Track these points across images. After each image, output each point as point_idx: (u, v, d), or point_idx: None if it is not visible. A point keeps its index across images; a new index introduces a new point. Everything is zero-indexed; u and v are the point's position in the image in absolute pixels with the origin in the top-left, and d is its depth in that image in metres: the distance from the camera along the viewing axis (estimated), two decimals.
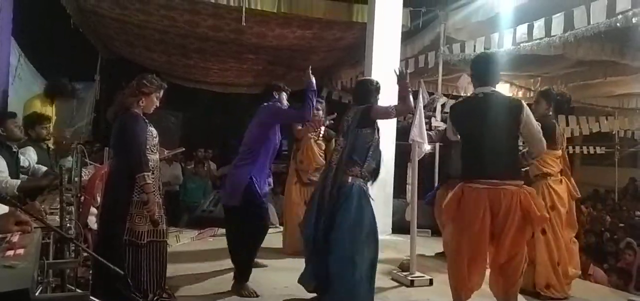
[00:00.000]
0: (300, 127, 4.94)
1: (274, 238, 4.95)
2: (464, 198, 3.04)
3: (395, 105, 3.40)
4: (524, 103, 3.13)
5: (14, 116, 4.19)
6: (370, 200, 3.43)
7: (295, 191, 5.01)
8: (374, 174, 3.50)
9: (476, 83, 3.19)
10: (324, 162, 4.72)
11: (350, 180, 3.30)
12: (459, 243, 3.06)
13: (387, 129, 6.40)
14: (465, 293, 3.09)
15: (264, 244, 4.00)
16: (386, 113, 3.42)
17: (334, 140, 4.73)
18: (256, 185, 3.68)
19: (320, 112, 4.90)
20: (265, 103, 3.92)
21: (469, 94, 3.30)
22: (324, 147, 5.03)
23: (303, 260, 3.57)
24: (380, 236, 6.01)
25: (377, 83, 3.64)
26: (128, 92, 3.23)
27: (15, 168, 3.88)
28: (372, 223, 3.36)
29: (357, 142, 3.35)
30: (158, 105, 3.35)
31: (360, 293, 3.23)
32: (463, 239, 3.03)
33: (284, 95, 4.02)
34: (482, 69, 3.20)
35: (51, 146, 4.79)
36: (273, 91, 4.00)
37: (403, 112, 3.61)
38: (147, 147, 3.20)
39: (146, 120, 3.25)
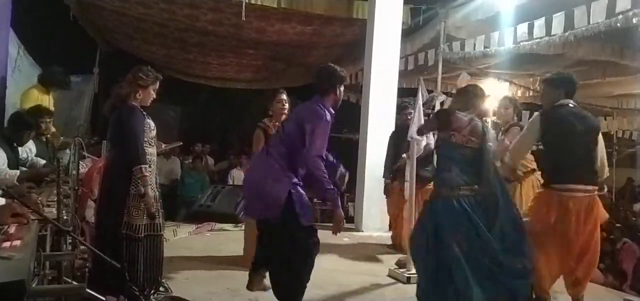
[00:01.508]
0: None
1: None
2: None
3: None
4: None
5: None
6: None
7: None
8: None
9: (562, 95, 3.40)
10: None
11: None
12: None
13: (385, 127, 6.42)
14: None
15: None
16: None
17: None
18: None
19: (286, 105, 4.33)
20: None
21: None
22: None
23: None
24: (377, 234, 6.04)
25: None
26: (125, 84, 3.22)
27: (15, 161, 3.88)
28: None
29: None
30: (155, 97, 3.33)
31: None
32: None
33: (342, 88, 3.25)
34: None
35: (50, 139, 4.80)
36: (336, 84, 3.15)
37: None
38: (145, 139, 3.18)
39: (144, 113, 3.24)
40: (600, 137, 3.47)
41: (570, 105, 3.37)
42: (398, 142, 5.24)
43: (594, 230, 3.32)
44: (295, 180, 3.04)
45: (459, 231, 2.95)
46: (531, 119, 3.57)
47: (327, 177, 3.01)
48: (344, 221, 3.20)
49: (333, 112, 3.13)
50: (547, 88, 3.51)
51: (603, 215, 3.36)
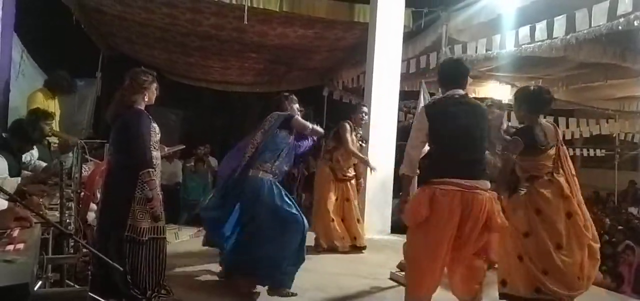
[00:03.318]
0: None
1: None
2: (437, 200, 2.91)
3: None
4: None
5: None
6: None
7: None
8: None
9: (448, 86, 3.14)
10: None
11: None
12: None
13: (387, 129, 6.42)
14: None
15: None
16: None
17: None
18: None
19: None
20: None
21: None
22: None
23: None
24: (379, 236, 6.05)
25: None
26: (129, 90, 3.23)
27: (17, 167, 3.89)
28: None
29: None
30: (157, 93, 3.38)
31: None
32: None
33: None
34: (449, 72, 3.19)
35: (54, 144, 4.81)
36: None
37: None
38: (151, 143, 3.21)
39: (150, 117, 3.27)
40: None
41: (457, 96, 3.09)
42: None
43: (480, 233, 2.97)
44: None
45: None
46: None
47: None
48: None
49: None
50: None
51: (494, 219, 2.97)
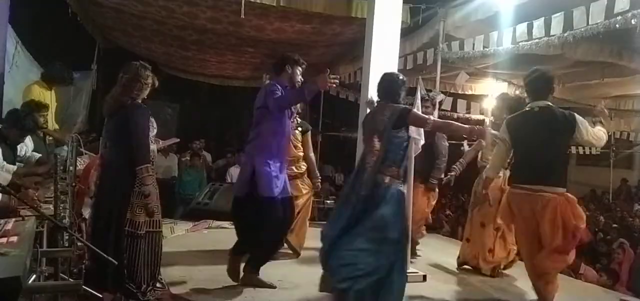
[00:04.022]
0: None
1: None
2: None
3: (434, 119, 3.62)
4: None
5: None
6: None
7: None
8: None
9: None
10: (301, 154, 4.70)
11: (386, 181, 3.13)
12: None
13: None
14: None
15: None
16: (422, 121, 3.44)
17: (309, 132, 4.82)
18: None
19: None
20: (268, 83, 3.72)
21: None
22: (300, 139, 4.77)
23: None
24: None
25: (404, 79, 3.57)
26: (131, 85, 3.20)
27: (12, 158, 3.87)
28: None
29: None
30: (155, 86, 3.37)
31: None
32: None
33: (298, 70, 3.74)
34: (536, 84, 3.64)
35: (50, 140, 4.79)
36: (285, 64, 3.71)
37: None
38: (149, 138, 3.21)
39: (149, 111, 3.26)
40: (579, 127, 3.56)
41: (536, 109, 3.57)
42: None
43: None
44: (262, 159, 3.50)
45: None
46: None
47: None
48: (329, 75, 3.47)
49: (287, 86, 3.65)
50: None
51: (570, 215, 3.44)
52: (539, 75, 3.70)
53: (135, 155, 3.09)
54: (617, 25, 4.53)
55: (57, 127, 5.23)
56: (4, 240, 1.80)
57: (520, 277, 4.38)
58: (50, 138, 4.90)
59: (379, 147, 3.20)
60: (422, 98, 4.58)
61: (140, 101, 3.24)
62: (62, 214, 2.54)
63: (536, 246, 3.53)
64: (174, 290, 3.48)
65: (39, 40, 6.71)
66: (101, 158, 3.35)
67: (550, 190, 3.44)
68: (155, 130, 3.33)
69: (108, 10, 7.50)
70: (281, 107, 3.56)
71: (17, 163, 3.92)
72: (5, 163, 3.69)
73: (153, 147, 3.29)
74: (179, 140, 5.30)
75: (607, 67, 7.21)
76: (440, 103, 8.17)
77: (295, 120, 4.55)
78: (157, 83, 3.34)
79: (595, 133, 3.65)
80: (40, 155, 4.18)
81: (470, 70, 8.09)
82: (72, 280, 2.45)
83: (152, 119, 3.29)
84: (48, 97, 4.97)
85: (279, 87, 3.62)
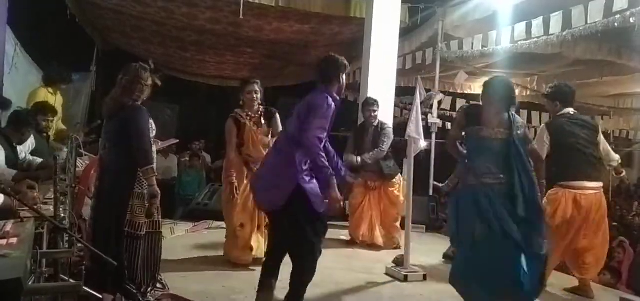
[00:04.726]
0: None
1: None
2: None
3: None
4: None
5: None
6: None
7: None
8: None
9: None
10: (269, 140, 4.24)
11: None
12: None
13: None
14: None
15: None
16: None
17: (277, 115, 4.38)
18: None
19: (258, 95, 4.34)
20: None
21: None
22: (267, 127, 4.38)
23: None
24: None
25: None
26: (131, 87, 3.18)
27: (14, 160, 3.88)
28: None
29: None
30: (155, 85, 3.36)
31: None
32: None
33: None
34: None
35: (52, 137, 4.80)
36: (339, 73, 3.25)
37: None
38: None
39: (148, 113, 3.26)
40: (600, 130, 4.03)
41: (571, 112, 3.93)
42: (359, 136, 5.33)
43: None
44: (304, 172, 3.00)
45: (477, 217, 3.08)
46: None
47: (324, 158, 2.99)
48: (341, 203, 3.25)
49: (338, 98, 3.19)
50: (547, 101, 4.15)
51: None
52: (565, 85, 4.13)
53: (139, 157, 3.09)
54: (615, 24, 4.54)
55: (63, 127, 5.25)
56: (4, 241, 1.80)
57: None
58: (54, 139, 4.91)
59: None
60: (421, 103, 4.57)
61: (140, 103, 3.23)
62: (62, 215, 2.53)
63: (579, 237, 3.90)
64: (174, 291, 3.48)
65: (38, 42, 6.71)
66: (100, 159, 3.36)
67: (596, 185, 3.87)
68: (154, 132, 3.34)
69: (107, 12, 7.51)
70: (312, 156, 2.99)
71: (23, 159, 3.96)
72: (6, 167, 3.69)
73: (153, 147, 3.29)
74: (178, 141, 5.29)
75: (606, 65, 7.22)
76: (440, 102, 8.19)
77: (266, 110, 4.41)
78: (159, 83, 3.33)
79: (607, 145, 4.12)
80: (41, 159, 4.19)
81: (469, 69, 8.10)
82: (72, 281, 2.44)
83: (151, 120, 3.29)
84: (54, 100, 5.01)
85: (331, 106, 3.05)
